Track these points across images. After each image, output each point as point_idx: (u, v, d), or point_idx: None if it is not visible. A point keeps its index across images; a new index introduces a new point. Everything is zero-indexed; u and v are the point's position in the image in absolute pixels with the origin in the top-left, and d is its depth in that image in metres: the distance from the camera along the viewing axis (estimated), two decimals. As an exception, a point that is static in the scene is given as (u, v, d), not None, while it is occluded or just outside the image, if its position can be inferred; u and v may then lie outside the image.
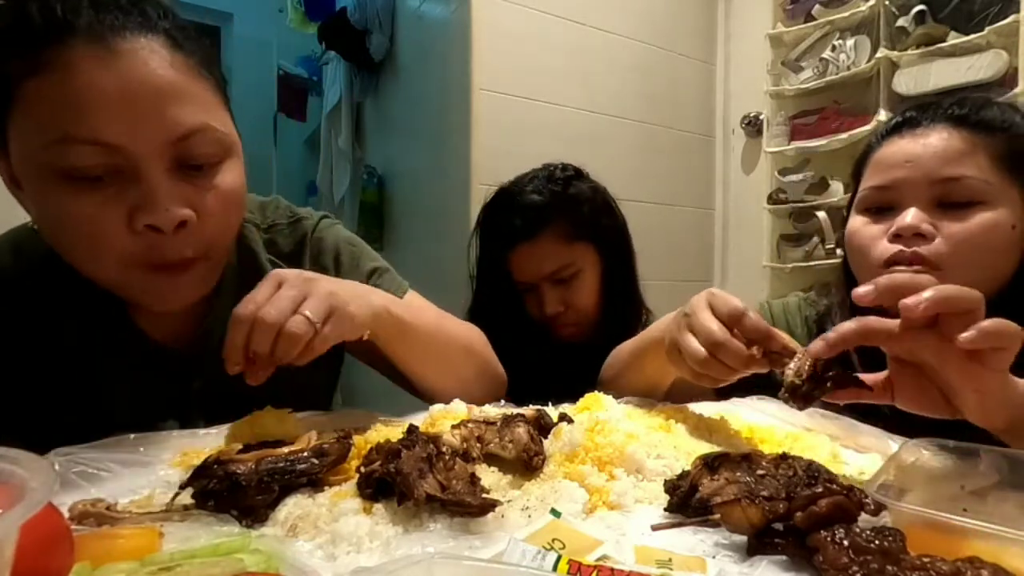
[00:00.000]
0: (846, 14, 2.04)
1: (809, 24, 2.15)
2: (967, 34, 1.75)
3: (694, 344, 0.61)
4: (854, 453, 0.59)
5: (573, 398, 0.71)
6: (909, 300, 0.45)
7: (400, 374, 0.76)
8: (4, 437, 0.41)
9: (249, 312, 0.54)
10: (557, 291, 1.06)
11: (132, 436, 0.59)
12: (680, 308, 0.69)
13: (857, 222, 0.79)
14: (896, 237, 0.72)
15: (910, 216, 0.71)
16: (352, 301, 0.61)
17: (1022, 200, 0.71)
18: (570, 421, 0.59)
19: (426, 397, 0.76)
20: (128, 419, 0.59)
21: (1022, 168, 0.71)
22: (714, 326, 0.60)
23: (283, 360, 0.55)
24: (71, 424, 0.57)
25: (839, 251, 2.02)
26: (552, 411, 0.66)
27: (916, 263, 0.70)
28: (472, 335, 0.84)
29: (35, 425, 0.59)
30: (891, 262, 0.72)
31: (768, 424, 0.68)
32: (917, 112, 0.77)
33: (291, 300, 0.55)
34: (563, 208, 1.06)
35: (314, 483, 0.47)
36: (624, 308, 1.11)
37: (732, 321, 0.60)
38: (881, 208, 0.76)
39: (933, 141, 0.73)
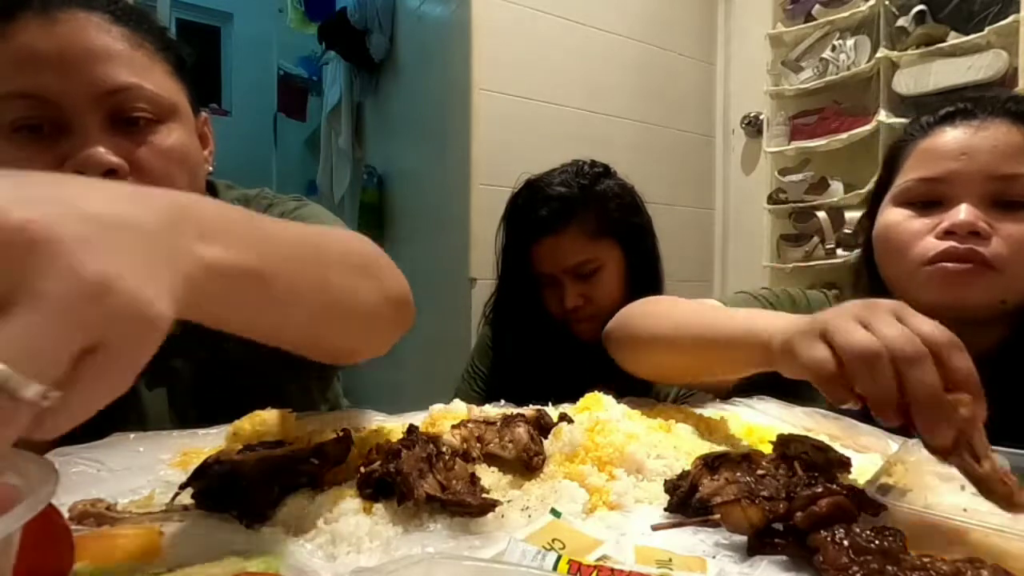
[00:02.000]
0: (846, 14, 2.04)
1: (809, 24, 2.15)
2: (967, 34, 1.75)
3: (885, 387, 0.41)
4: (854, 453, 0.59)
5: (577, 398, 0.70)
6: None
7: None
8: None
9: None
10: (578, 285, 1.06)
11: (132, 436, 0.60)
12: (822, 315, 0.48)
13: (895, 215, 0.73)
14: (947, 234, 0.67)
15: (964, 212, 0.66)
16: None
17: None
18: (570, 421, 0.59)
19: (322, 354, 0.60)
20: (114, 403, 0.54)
21: None
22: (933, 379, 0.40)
23: None
24: None
25: (840, 251, 2.04)
26: (552, 411, 0.66)
27: (968, 261, 0.66)
28: (354, 242, 0.56)
29: None
30: (939, 259, 0.68)
31: (768, 424, 0.68)
32: (972, 103, 0.72)
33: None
34: (589, 203, 1.05)
35: (314, 483, 0.47)
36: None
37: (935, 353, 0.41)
38: (927, 202, 0.71)
39: (992, 135, 0.68)
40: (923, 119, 0.76)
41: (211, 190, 0.77)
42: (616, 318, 0.81)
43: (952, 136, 0.70)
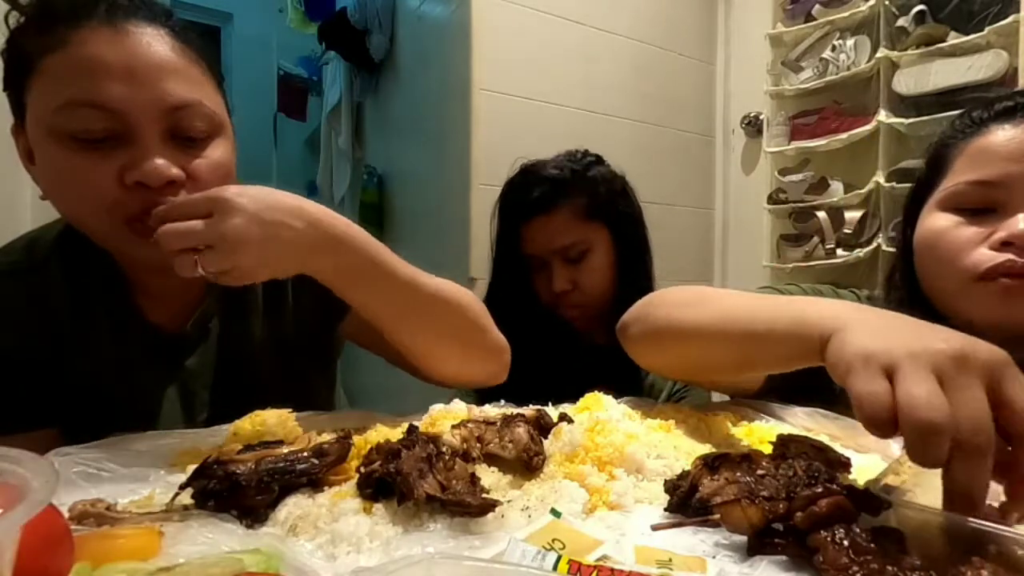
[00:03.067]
0: (846, 14, 2.04)
1: (809, 24, 2.15)
2: (967, 34, 1.75)
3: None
4: (854, 453, 0.59)
5: (577, 398, 0.71)
6: None
7: (393, 350, 0.72)
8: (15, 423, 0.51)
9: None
10: (567, 269, 1.07)
11: (132, 436, 0.60)
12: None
13: (943, 221, 0.66)
14: (1004, 246, 0.60)
15: None
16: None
17: None
18: (570, 421, 0.59)
19: (421, 370, 0.74)
20: (125, 398, 0.65)
21: None
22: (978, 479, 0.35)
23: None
24: (75, 408, 0.63)
25: (840, 251, 2.04)
26: (552, 411, 0.66)
27: None
28: (460, 291, 0.73)
29: (41, 408, 0.64)
30: (994, 273, 0.61)
31: (768, 424, 0.68)
32: None
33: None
34: (581, 185, 1.08)
35: (314, 483, 0.47)
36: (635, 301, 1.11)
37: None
38: (980, 208, 0.64)
39: None
40: (975, 113, 0.68)
41: None
42: (633, 311, 0.73)
43: (1009, 135, 0.63)
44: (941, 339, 0.39)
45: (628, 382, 1.05)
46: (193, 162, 0.60)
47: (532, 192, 1.07)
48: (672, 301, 0.68)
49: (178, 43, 0.60)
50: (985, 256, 0.62)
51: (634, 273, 1.12)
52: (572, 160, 1.11)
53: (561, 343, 1.12)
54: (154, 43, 0.58)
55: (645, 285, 1.14)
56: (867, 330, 0.42)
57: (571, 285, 1.07)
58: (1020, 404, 0.36)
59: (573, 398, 0.70)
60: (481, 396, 0.74)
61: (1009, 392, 0.36)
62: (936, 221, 0.67)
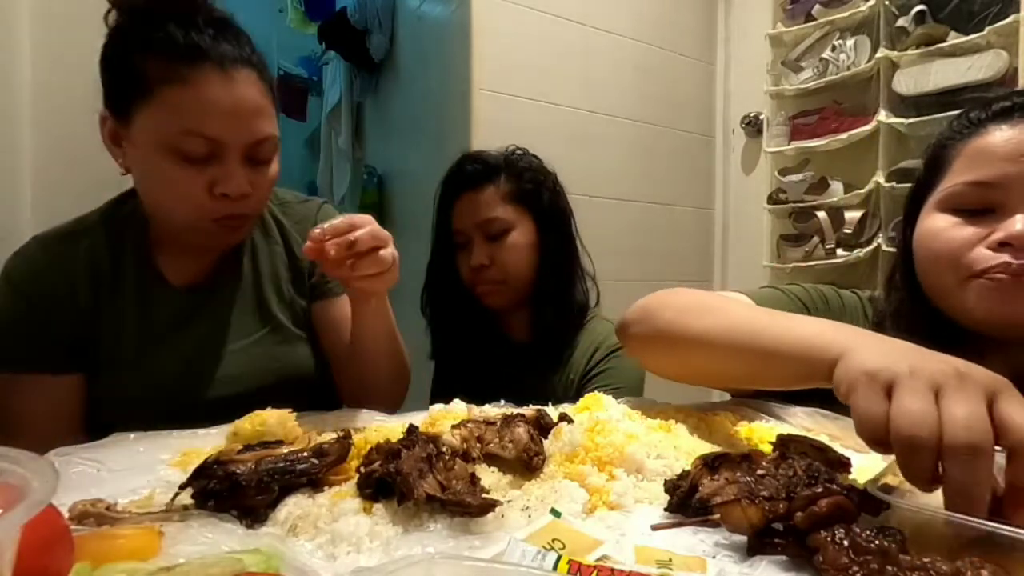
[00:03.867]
0: (846, 14, 2.04)
1: (809, 24, 2.15)
2: (967, 34, 1.75)
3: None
4: (854, 453, 0.59)
5: (496, 395, 0.73)
6: None
7: (340, 362, 0.91)
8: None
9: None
10: (486, 245, 1.12)
11: (132, 436, 0.60)
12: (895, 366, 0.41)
13: (941, 221, 0.66)
14: (1001, 246, 0.61)
15: (1022, 222, 0.59)
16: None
17: None
18: (570, 421, 0.59)
19: (349, 389, 0.91)
20: (144, 341, 0.81)
21: None
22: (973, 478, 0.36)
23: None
24: (101, 353, 0.79)
25: (840, 251, 2.04)
26: (552, 411, 0.66)
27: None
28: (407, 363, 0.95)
29: (75, 354, 0.79)
30: (991, 272, 0.62)
31: (768, 424, 0.68)
32: None
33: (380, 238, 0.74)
34: (509, 170, 1.14)
35: (314, 483, 0.47)
36: (558, 298, 1.14)
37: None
38: (978, 209, 0.64)
39: None
40: (972, 114, 0.68)
41: None
42: (636, 309, 0.71)
43: (1008, 135, 0.63)
44: (941, 359, 0.41)
45: (544, 379, 1.10)
46: (258, 178, 0.78)
47: (465, 170, 1.15)
48: (675, 305, 0.67)
49: (263, 84, 0.76)
50: (983, 256, 0.62)
51: (556, 268, 1.15)
52: (507, 153, 1.18)
53: (481, 334, 1.18)
54: (250, 88, 0.74)
55: (567, 283, 1.16)
56: (873, 351, 0.44)
57: (488, 260, 1.11)
58: (1016, 421, 0.36)
59: (493, 395, 0.72)
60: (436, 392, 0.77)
61: (1006, 410, 0.37)
62: (935, 222, 0.67)
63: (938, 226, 0.66)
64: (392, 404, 0.88)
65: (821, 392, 0.72)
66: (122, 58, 0.72)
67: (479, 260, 1.11)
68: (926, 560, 0.32)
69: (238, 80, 0.72)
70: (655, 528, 0.41)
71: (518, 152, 1.18)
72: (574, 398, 0.71)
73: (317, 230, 0.70)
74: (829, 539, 0.34)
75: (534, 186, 1.15)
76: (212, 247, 0.84)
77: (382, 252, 0.73)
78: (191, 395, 0.82)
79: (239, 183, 0.74)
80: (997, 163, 0.63)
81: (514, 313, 1.17)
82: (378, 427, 0.61)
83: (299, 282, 0.92)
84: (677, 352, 0.67)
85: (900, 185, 1.85)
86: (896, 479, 0.42)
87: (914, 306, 0.71)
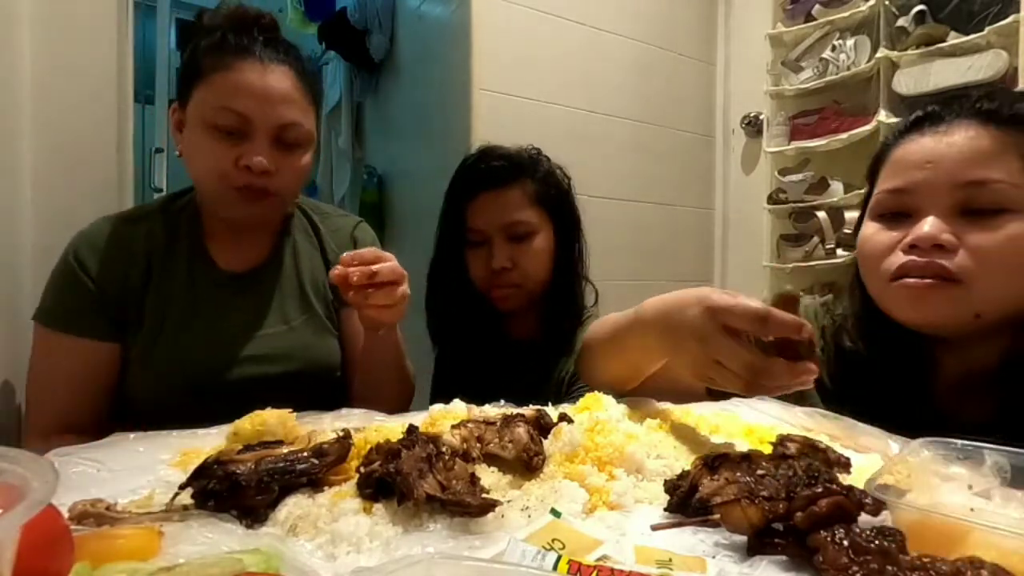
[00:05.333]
0: (846, 14, 2.04)
1: (809, 24, 2.15)
2: (967, 34, 1.75)
3: (735, 382, 0.55)
4: (854, 453, 0.59)
5: (496, 394, 0.73)
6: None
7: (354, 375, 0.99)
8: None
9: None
10: (508, 246, 1.08)
11: (132, 436, 0.60)
12: (661, 309, 0.63)
13: (869, 229, 0.71)
14: (912, 248, 0.65)
15: (928, 225, 0.63)
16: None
17: None
18: (570, 421, 0.59)
19: (356, 396, 0.96)
20: (190, 321, 0.88)
21: None
22: (746, 357, 0.53)
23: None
24: (149, 328, 0.87)
25: (840, 251, 2.04)
26: (552, 411, 0.66)
27: (931, 274, 0.63)
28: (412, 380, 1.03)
29: (118, 326, 0.86)
30: (901, 274, 0.66)
31: (768, 424, 0.68)
32: (941, 106, 0.68)
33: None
34: (535, 171, 1.11)
35: (314, 483, 0.47)
36: (570, 301, 1.13)
37: (758, 330, 0.54)
38: (897, 214, 0.68)
39: (957, 140, 0.64)
40: (898, 126, 0.74)
41: None
42: (585, 336, 0.84)
43: (919, 144, 0.68)
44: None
45: (542, 377, 1.09)
46: (284, 162, 0.87)
47: (489, 166, 1.10)
48: (594, 328, 0.82)
49: (298, 80, 0.88)
50: (896, 259, 0.66)
51: (567, 273, 1.13)
52: (529, 152, 1.15)
53: (483, 333, 1.15)
54: (283, 79, 0.86)
55: (574, 292, 1.15)
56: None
57: (510, 264, 1.08)
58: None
59: (493, 393, 0.73)
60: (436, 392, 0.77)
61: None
62: (865, 229, 0.72)
63: (866, 233, 0.72)
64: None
65: (821, 392, 0.73)
66: (191, 56, 0.87)
67: (501, 263, 1.07)
68: (926, 560, 0.32)
69: (273, 71, 0.85)
70: (655, 528, 0.41)
71: (539, 154, 1.15)
72: (563, 397, 0.71)
73: (347, 255, 0.78)
74: (829, 539, 0.34)
75: (556, 193, 1.12)
76: (243, 221, 0.92)
77: (398, 289, 0.80)
78: (220, 371, 0.88)
79: (261, 158, 0.84)
80: (909, 170, 0.67)
81: (518, 313, 1.15)
82: (378, 427, 0.61)
83: (333, 285, 0.97)
84: (593, 361, 0.80)
85: (900, 185, 1.85)
86: (892, 478, 0.42)
87: (868, 309, 0.74)
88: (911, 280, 0.65)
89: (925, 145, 0.67)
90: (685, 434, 0.61)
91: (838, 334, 0.79)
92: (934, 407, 0.70)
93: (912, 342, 0.70)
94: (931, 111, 0.69)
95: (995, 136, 0.63)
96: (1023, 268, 0.62)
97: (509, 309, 1.13)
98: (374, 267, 0.77)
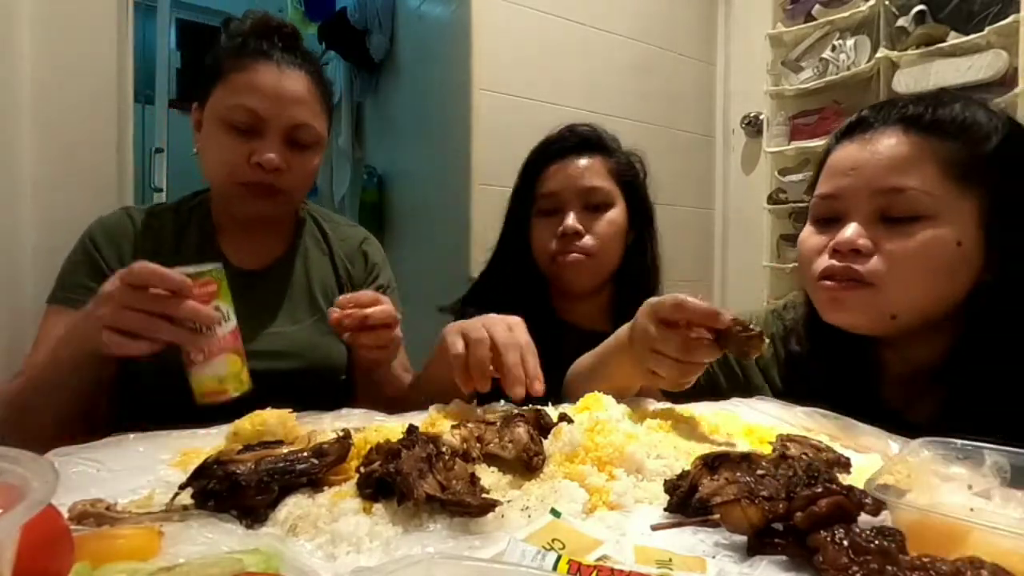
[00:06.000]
0: (846, 14, 2.04)
1: (809, 24, 2.15)
2: (967, 34, 1.75)
3: (672, 367, 0.64)
4: (854, 453, 0.59)
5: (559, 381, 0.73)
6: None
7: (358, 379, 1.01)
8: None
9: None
10: (583, 214, 1.06)
11: (132, 436, 0.60)
12: (628, 325, 0.71)
13: (805, 232, 0.75)
14: (834, 252, 0.67)
15: (848, 231, 0.66)
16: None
17: (975, 212, 0.64)
18: (570, 421, 0.59)
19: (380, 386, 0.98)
20: None
21: (976, 176, 0.64)
22: (676, 339, 0.62)
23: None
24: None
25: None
26: (552, 411, 0.66)
27: (846, 277, 0.66)
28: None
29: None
30: (823, 276, 0.69)
31: (768, 424, 0.68)
32: (872, 112, 0.70)
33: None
34: (615, 152, 1.11)
35: (314, 483, 0.47)
36: (639, 288, 1.08)
37: (677, 314, 0.63)
38: (828, 219, 0.71)
39: (880, 147, 0.67)
40: (836, 131, 0.75)
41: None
42: (566, 384, 0.87)
43: (847, 152, 0.70)
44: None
45: None
46: (294, 161, 0.90)
47: (574, 134, 1.10)
48: (576, 368, 0.86)
49: (311, 84, 0.92)
50: (823, 262, 0.69)
51: (639, 260, 1.11)
52: (609, 134, 1.16)
53: (539, 316, 1.07)
54: (298, 83, 0.90)
55: (648, 280, 1.12)
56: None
57: (582, 228, 1.05)
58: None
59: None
60: (481, 397, 0.75)
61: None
62: (803, 232, 0.75)
63: (802, 236, 0.75)
64: None
65: (821, 392, 0.74)
66: (214, 59, 0.92)
67: (574, 227, 1.03)
68: (926, 560, 0.32)
69: (287, 74, 0.89)
70: (655, 528, 0.41)
71: (617, 139, 1.16)
72: None
73: (343, 298, 0.81)
74: (829, 539, 0.34)
75: (634, 175, 1.12)
76: (252, 217, 0.95)
77: (393, 332, 0.82)
78: None
79: (272, 156, 0.87)
80: (837, 177, 0.70)
81: (582, 299, 1.11)
82: (378, 427, 0.61)
83: (341, 292, 1.02)
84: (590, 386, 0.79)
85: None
86: (892, 478, 0.42)
87: (813, 311, 0.75)
88: (829, 283, 0.68)
89: (851, 152, 0.69)
90: (685, 434, 0.61)
91: (787, 338, 0.82)
92: (882, 407, 0.71)
93: (855, 343, 0.72)
94: (861, 117, 0.71)
95: (914, 143, 0.65)
96: (934, 273, 0.64)
97: (572, 283, 1.08)
98: (367, 311, 0.79)
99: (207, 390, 0.67)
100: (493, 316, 0.73)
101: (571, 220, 1.04)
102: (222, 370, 0.68)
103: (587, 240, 1.04)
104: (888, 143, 0.66)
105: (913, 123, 0.66)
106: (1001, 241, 0.64)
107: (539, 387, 0.66)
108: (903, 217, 0.65)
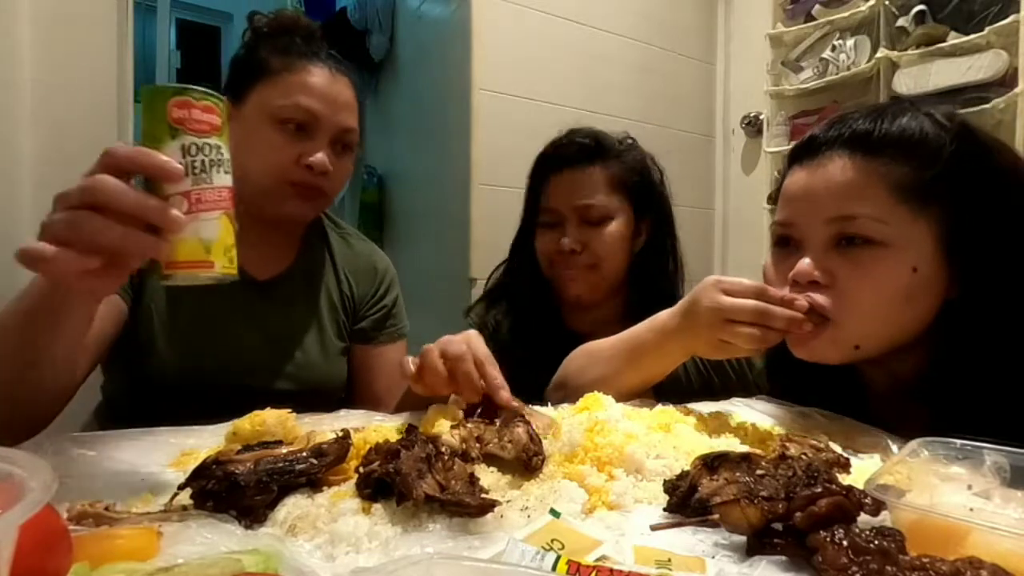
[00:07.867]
0: (846, 14, 2.04)
1: (809, 24, 2.15)
2: (967, 34, 1.75)
3: (749, 335, 0.64)
4: (854, 453, 0.59)
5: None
6: None
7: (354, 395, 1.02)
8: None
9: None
10: (580, 229, 1.05)
11: (131, 434, 0.60)
12: (680, 307, 0.71)
13: (769, 257, 0.73)
14: (794, 284, 0.66)
15: (803, 263, 0.65)
16: None
17: (931, 233, 0.61)
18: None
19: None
20: (210, 324, 0.89)
21: (929, 196, 0.61)
22: (750, 305, 0.64)
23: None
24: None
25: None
26: (552, 410, 0.66)
27: (810, 311, 0.64)
28: None
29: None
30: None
31: (768, 424, 0.68)
32: (821, 132, 0.68)
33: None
34: (620, 156, 1.08)
35: (313, 483, 0.47)
36: (652, 296, 1.05)
37: (758, 296, 0.64)
38: (787, 244, 0.70)
39: (829, 172, 0.64)
40: (789, 152, 0.74)
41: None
42: (552, 381, 0.84)
43: (798, 176, 0.68)
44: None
45: None
46: (337, 164, 0.91)
47: (573, 144, 1.08)
48: (590, 358, 0.83)
49: (353, 90, 0.94)
50: (785, 291, 0.67)
51: (649, 268, 1.09)
52: (620, 137, 1.13)
53: (543, 322, 1.10)
54: (346, 87, 0.92)
55: (661, 287, 1.10)
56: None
57: (579, 247, 1.04)
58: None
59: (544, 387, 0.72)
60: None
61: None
62: (767, 257, 0.74)
63: (766, 262, 0.73)
64: None
65: (821, 392, 0.73)
66: (250, 54, 0.92)
67: (571, 245, 1.03)
68: (925, 560, 0.32)
69: (339, 80, 0.92)
70: (654, 528, 0.41)
71: (629, 141, 1.13)
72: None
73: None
74: (828, 539, 0.34)
75: (643, 180, 1.09)
76: (288, 218, 0.94)
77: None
78: (221, 373, 0.87)
79: (323, 158, 0.88)
80: (791, 203, 0.68)
81: (586, 305, 1.10)
82: (377, 427, 0.61)
83: (346, 311, 1.03)
84: (616, 377, 0.78)
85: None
86: (892, 478, 0.42)
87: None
88: (798, 317, 0.65)
89: (802, 179, 0.67)
90: (685, 434, 0.61)
91: (780, 358, 0.78)
92: (873, 421, 0.69)
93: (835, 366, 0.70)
94: (808, 140, 0.69)
95: (860, 168, 0.63)
96: (889, 302, 0.63)
97: (576, 296, 1.08)
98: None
99: (184, 257, 0.47)
100: (450, 336, 0.70)
101: (567, 240, 1.05)
102: (211, 232, 0.48)
103: (585, 257, 1.05)
104: (836, 167, 0.64)
105: (859, 144, 0.64)
106: (962, 259, 0.62)
107: (505, 395, 0.64)
108: (856, 244, 0.63)
